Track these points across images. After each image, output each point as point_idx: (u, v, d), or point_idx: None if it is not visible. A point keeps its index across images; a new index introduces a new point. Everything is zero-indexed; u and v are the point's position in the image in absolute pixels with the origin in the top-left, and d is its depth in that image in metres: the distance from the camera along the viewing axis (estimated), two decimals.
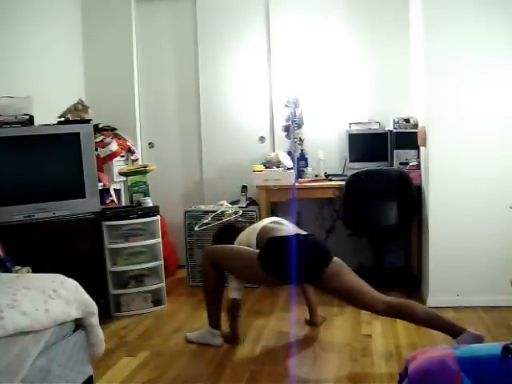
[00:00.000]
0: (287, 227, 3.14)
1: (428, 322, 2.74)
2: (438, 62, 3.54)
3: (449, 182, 3.58)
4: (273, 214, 4.60)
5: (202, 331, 3.19)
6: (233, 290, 3.09)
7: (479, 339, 2.56)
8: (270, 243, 2.95)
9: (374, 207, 3.89)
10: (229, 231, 3.43)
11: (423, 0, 3.55)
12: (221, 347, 3.06)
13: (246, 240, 3.14)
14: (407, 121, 4.26)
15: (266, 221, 3.28)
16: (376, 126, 4.46)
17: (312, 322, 3.42)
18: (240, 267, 3.01)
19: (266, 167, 4.41)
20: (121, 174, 4.15)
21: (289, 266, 2.78)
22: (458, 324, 2.66)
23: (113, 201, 4.30)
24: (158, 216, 3.86)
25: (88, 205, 3.56)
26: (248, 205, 4.37)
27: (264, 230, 3.12)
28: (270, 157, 4.46)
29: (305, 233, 3.07)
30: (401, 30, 4.38)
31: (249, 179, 4.40)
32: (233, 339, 3.13)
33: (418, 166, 4.10)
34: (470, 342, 2.54)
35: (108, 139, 4.32)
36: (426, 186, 3.72)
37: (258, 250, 2.96)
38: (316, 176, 4.42)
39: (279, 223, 3.21)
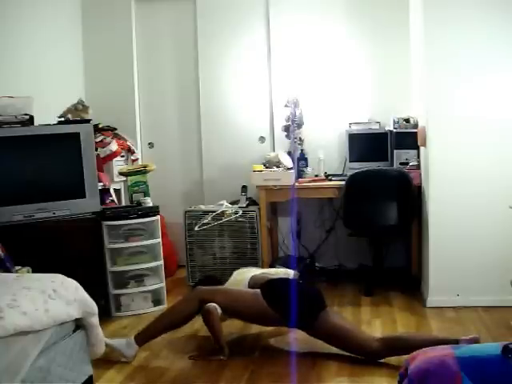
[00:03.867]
0: (279, 274, 3.29)
1: (424, 343, 2.78)
2: (438, 63, 3.54)
3: (449, 182, 3.58)
4: (273, 213, 4.61)
5: (121, 340, 3.00)
6: None
7: (476, 341, 2.59)
8: (273, 283, 3.02)
9: (374, 207, 3.89)
10: (209, 283, 3.37)
11: (423, 1, 3.55)
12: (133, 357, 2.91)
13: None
14: (407, 121, 4.26)
15: (251, 272, 3.33)
16: (376, 126, 4.45)
17: None
18: (243, 309, 2.97)
19: (266, 167, 4.40)
20: (121, 173, 4.15)
21: (291, 306, 2.82)
22: (450, 337, 2.67)
23: (113, 201, 4.29)
24: (158, 216, 3.85)
25: (88, 205, 3.56)
26: (248, 205, 4.36)
27: (254, 278, 3.19)
28: (269, 157, 4.46)
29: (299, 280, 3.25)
30: (401, 30, 4.38)
31: (249, 179, 4.40)
32: (219, 351, 2.93)
33: (418, 166, 4.10)
34: None
35: (108, 139, 4.31)
36: (426, 186, 3.72)
37: (258, 290, 2.96)
38: (316, 176, 4.42)
39: (267, 273, 3.33)
